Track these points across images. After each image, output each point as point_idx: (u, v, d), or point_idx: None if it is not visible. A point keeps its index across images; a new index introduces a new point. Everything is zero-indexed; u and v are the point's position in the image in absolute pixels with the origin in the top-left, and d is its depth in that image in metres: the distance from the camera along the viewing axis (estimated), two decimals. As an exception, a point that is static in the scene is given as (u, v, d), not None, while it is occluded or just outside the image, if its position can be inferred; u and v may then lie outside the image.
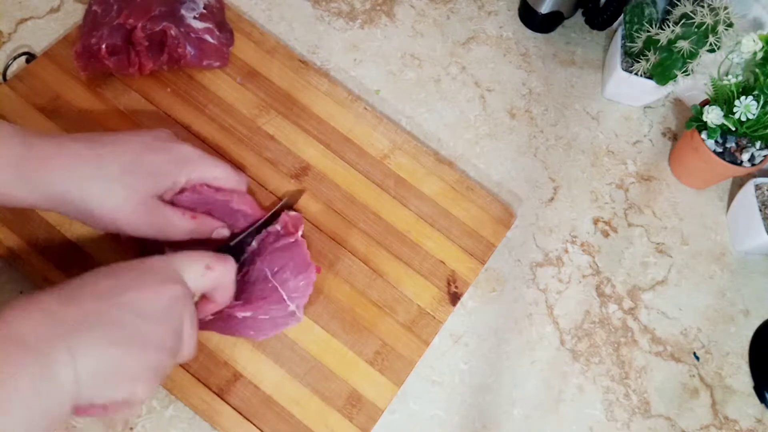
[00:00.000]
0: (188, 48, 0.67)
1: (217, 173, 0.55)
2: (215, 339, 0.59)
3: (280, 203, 0.63)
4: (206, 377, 0.57)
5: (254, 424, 0.56)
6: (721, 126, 0.70)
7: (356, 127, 0.71)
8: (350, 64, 0.77)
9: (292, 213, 0.62)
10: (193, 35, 0.67)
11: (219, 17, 0.71)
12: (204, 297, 0.53)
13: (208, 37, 0.68)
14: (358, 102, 0.72)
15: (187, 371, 0.57)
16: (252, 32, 0.73)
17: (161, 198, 0.53)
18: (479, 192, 0.70)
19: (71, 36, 0.68)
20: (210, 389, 0.57)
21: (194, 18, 0.68)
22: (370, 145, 0.70)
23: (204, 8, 0.69)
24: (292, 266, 0.58)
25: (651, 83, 0.75)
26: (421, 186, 0.69)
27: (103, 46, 0.63)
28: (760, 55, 0.67)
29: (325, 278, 0.63)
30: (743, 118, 0.67)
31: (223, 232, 0.57)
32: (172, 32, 0.65)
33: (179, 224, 0.53)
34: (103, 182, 0.48)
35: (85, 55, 0.64)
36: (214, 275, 0.49)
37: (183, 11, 0.67)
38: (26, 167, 0.45)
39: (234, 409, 0.56)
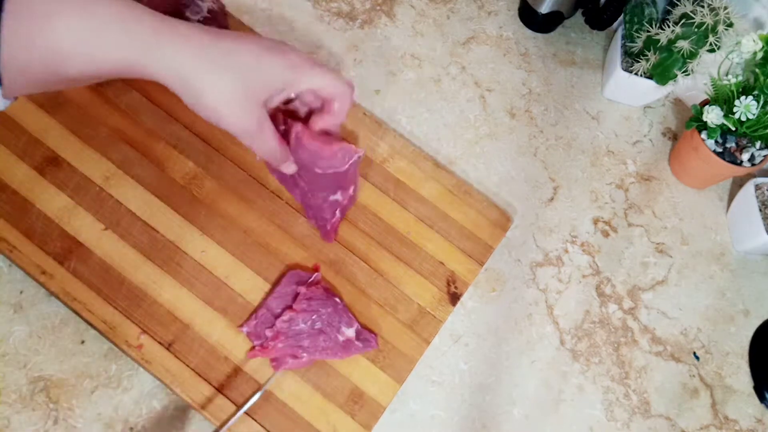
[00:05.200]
0: (190, 50, 0.67)
1: (325, 82, 0.55)
2: (216, 334, 0.59)
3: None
4: (207, 372, 0.57)
5: (256, 420, 0.56)
6: (721, 126, 0.70)
7: (356, 131, 0.71)
8: (350, 64, 0.77)
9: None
10: (195, 37, 0.67)
11: (221, 22, 0.72)
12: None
13: (210, 40, 0.68)
14: (357, 107, 0.72)
15: (188, 366, 0.57)
16: (253, 36, 0.74)
17: (267, 103, 0.53)
18: (477, 196, 0.70)
19: (72, 35, 0.68)
20: (211, 384, 0.57)
21: (198, 22, 0.68)
22: (370, 149, 0.70)
23: (207, 12, 0.69)
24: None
25: (651, 83, 0.75)
26: (420, 189, 0.69)
27: (106, 47, 0.64)
28: (760, 55, 0.67)
29: (325, 276, 0.63)
30: (743, 118, 0.68)
31: (291, 167, 0.57)
32: (175, 32, 0.65)
33: (269, 140, 0.53)
34: (220, 74, 0.49)
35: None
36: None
37: (187, 14, 0.68)
38: (160, 42, 0.47)
39: (235, 404, 0.56)
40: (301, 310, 0.59)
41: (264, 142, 0.53)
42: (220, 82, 0.50)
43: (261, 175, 0.66)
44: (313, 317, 0.59)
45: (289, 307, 0.59)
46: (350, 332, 0.59)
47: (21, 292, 0.59)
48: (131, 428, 0.57)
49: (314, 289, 0.60)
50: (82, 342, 0.58)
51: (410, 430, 0.61)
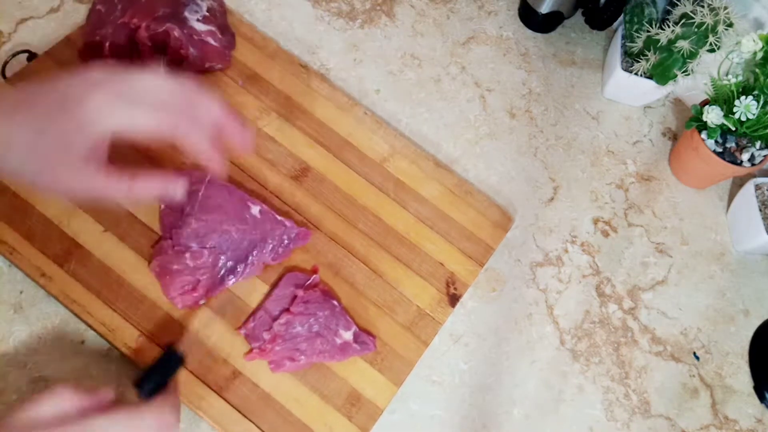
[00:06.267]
0: (191, 50, 0.67)
1: (143, 118, 0.44)
2: (214, 336, 0.59)
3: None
4: (205, 375, 0.57)
5: (253, 422, 0.56)
6: (721, 126, 0.70)
7: (356, 130, 0.71)
8: (350, 64, 0.77)
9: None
10: (195, 37, 0.67)
11: (221, 20, 0.71)
12: None
13: (210, 40, 0.68)
14: (357, 106, 0.72)
15: (186, 368, 0.57)
16: (254, 37, 0.73)
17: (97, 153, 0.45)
18: (477, 196, 0.70)
19: (73, 36, 0.68)
20: (209, 387, 0.57)
21: (197, 20, 0.68)
22: (369, 149, 0.70)
23: (207, 11, 0.69)
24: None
25: (651, 83, 0.75)
26: (420, 189, 0.69)
27: (107, 44, 0.64)
28: (760, 55, 0.67)
29: (324, 278, 0.63)
30: (743, 118, 0.67)
31: (175, 192, 0.48)
32: (176, 33, 0.65)
33: (115, 190, 0.46)
34: (17, 152, 0.43)
35: (89, 54, 0.64)
36: None
37: (186, 13, 0.67)
38: None
39: (233, 406, 0.56)
40: (298, 313, 0.59)
41: (114, 193, 0.46)
42: (22, 161, 0.43)
43: (260, 175, 0.66)
44: (310, 321, 0.59)
45: (287, 310, 0.59)
46: (348, 335, 0.59)
47: (21, 292, 0.59)
48: (131, 428, 0.57)
49: (312, 293, 0.60)
50: (82, 342, 0.59)
51: (410, 430, 0.61)
